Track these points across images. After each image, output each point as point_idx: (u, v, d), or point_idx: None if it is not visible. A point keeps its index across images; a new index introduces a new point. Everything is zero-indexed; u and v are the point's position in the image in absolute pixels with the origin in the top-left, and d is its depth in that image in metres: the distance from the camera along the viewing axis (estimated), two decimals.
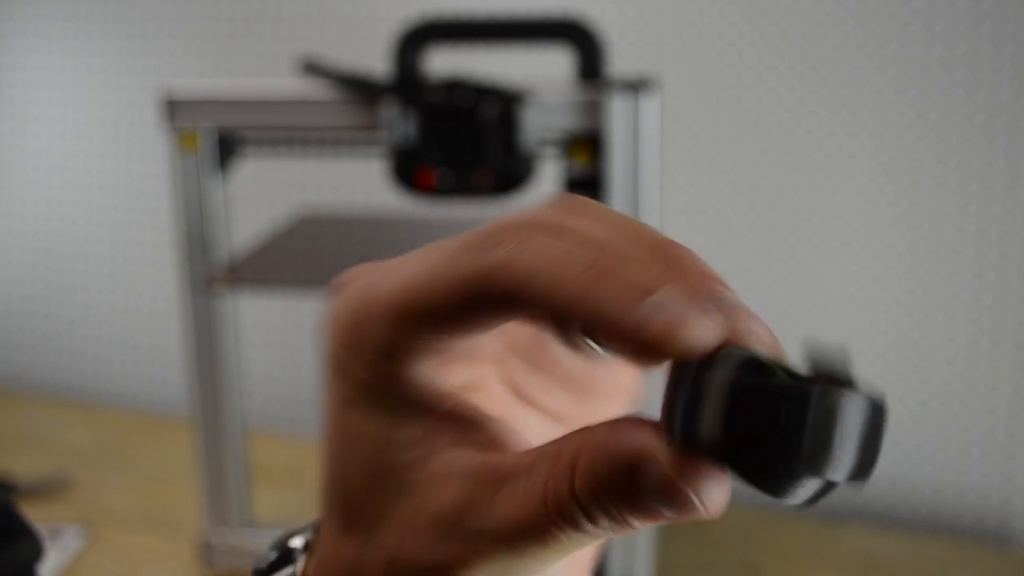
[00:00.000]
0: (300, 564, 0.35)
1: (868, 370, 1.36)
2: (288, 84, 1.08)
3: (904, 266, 1.33)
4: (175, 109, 1.08)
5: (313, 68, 1.04)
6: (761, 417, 0.26)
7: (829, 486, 0.30)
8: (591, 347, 0.33)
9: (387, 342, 0.30)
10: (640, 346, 0.26)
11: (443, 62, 1.45)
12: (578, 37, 1.02)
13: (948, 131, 1.28)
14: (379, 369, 0.30)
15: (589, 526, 0.28)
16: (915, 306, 1.34)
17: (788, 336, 1.29)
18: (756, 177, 1.37)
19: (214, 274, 1.09)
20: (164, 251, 1.71)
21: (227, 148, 1.09)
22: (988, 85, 1.26)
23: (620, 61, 1.38)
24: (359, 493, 0.31)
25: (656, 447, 0.27)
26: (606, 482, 0.28)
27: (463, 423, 0.31)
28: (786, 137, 1.35)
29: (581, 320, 0.27)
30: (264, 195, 1.63)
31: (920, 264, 1.32)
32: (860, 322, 1.36)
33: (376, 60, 1.53)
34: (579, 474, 0.28)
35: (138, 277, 1.74)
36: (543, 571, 0.30)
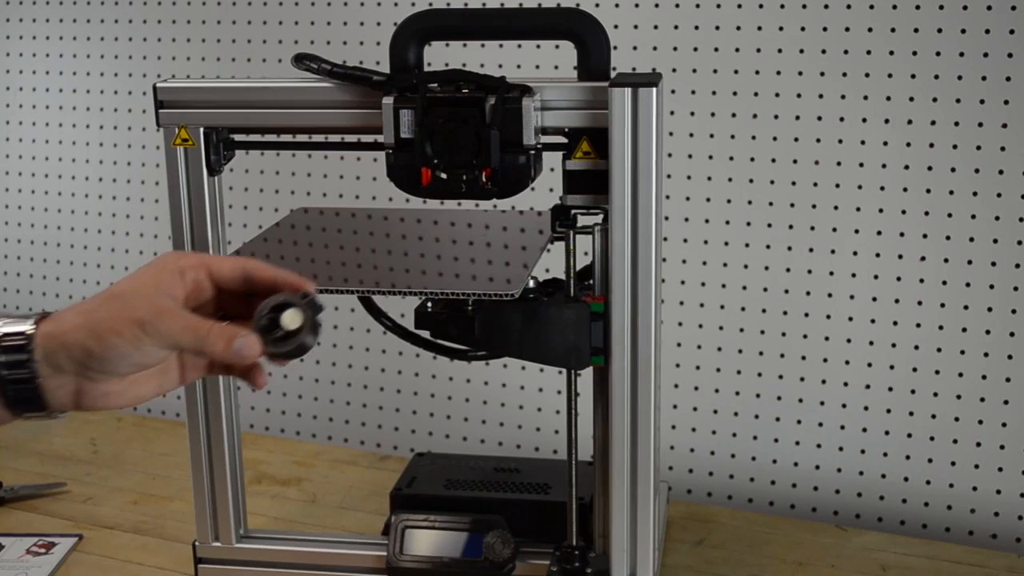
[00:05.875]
0: (33, 318, 0.71)
1: (884, 380, 1.35)
2: (283, 81, 1.06)
3: (911, 277, 1.31)
4: (170, 106, 1.06)
5: (309, 62, 1.02)
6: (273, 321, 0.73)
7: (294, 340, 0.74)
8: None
9: (196, 263, 0.75)
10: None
11: (443, 56, 1.44)
12: (580, 31, 1.00)
13: (957, 125, 1.26)
14: (188, 265, 0.75)
15: (200, 351, 0.73)
16: (926, 319, 1.32)
17: (792, 333, 1.26)
18: (762, 171, 1.36)
19: None
20: (161, 248, 1.69)
21: (222, 145, 1.08)
22: (995, 80, 1.24)
23: (622, 56, 1.37)
24: (136, 290, 0.72)
25: (247, 332, 0.73)
26: (221, 335, 0.72)
27: (196, 302, 0.75)
28: (790, 130, 1.33)
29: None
30: (260, 192, 1.61)
31: (926, 271, 1.30)
32: (872, 337, 1.34)
33: (378, 61, 1.52)
34: (214, 331, 0.72)
35: None
36: (150, 354, 0.72)
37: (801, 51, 1.31)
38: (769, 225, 1.36)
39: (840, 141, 1.32)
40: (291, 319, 0.73)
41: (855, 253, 1.33)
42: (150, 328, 0.70)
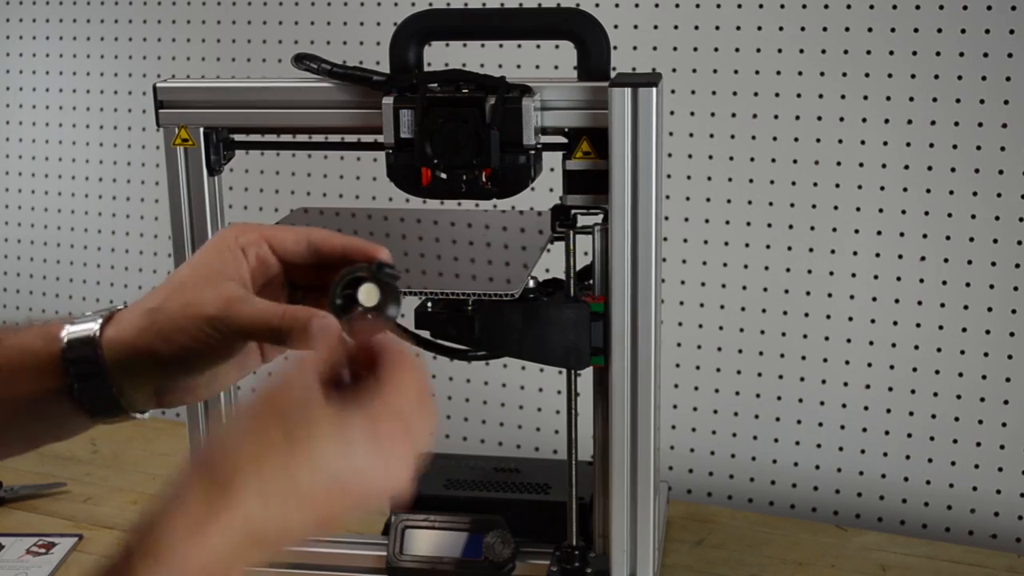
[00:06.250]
0: (101, 319, 0.66)
1: (884, 380, 1.34)
2: (283, 81, 1.06)
3: (911, 277, 1.31)
4: (170, 106, 1.06)
5: (309, 62, 1.02)
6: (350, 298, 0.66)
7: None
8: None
9: (257, 238, 0.69)
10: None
11: (443, 56, 1.44)
12: (580, 31, 1.00)
13: (957, 125, 1.26)
14: (249, 241, 0.68)
15: (277, 342, 0.66)
16: (926, 319, 1.31)
17: (792, 333, 1.26)
18: (762, 171, 1.36)
19: None
20: (161, 248, 1.69)
21: (222, 145, 1.08)
22: (995, 80, 1.24)
23: (622, 56, 1.37)
24: (199, 279, 0.66)
25: (323, 315, 0.64)
26: (296, 321, 0.63)
27: (264, 278, 0.69)
28: (790, 130, 1.33)
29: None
30: (260, 192, 1.61)
31: (926, 271, 1.30)
32: (872, 337, 1.34)
33: (378, 61, 1.52)
34: (287, 319, 0.64)
35: (135, 275, 1.72)
36: (225, 349, 0.66)
37: (801, 51, 1.31)
38: (769, 225, 1.36)
39: (840, 141, 1.32)
40: (368, 295, 0.66)
41: (855, 253, 1.33)
42: (220, 324, 0.64)
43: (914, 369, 1.33)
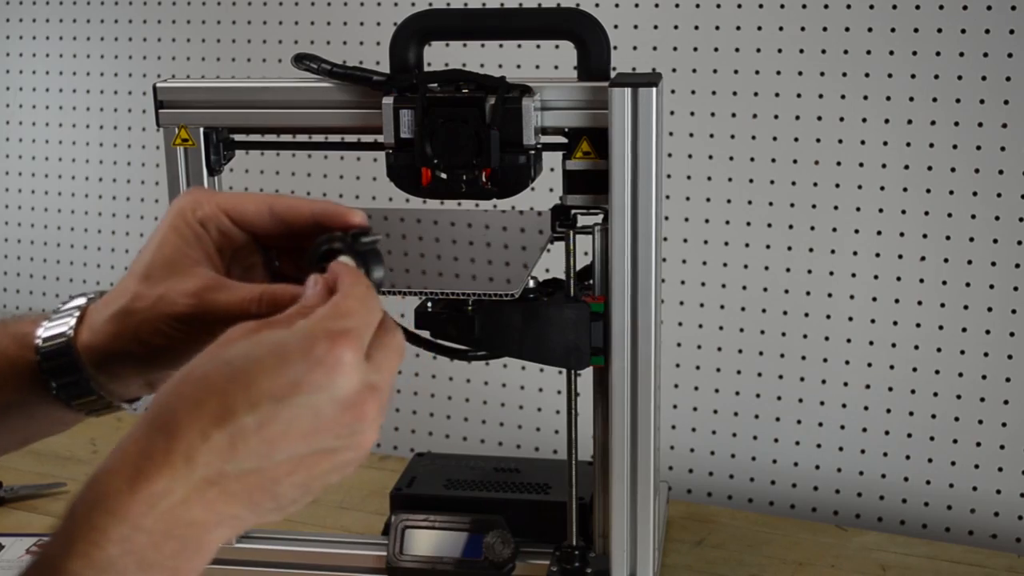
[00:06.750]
0: (73, 320, 0.63)
1: (884, 380, 1.34)
2: (283, 81, 1.06)
3: (911, 277, 1.31)
4: (170, 106, 1.06)
5: (309, 62, 1.03)
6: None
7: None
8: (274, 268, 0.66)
9: (214, 210, 0.63)
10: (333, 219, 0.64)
11: (443, 56, 1.44)
12: (580, 31, 1.00)
13: (957, 125, 1.26)
14: (206, 215, 0.63)
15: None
16: (926, 319, 1.31)
17: (792, 333, 1.26)
18: (762, 171, 1.36)
19: None
20: None
21: (222, 145, 1.08)
22: (995, 80, 1.24)
23: (622, 56, 1.37)
24: (164, 267, 0.62)
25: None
26: (275, 307, 0.58)
27: (231, 248, 0.64)
28: (790, 130, 1.33)
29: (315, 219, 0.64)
30: (260, 191, 1.61)
31: (926, 271, 1.30)
32: (872, 337, 1.34)
33: (378, 61, 1.52)
34: (265, 296, 0.60)
35: None
36: (208, 337, 0.55)
37: (801, 51, 1.31)
38: (769, 225, 1.36)
39: (840, 141, 1.32)
40: None
41: (855, 253, 1.33)
42: (193, 320, 0.60)
43: (914, 369, 1.33)
